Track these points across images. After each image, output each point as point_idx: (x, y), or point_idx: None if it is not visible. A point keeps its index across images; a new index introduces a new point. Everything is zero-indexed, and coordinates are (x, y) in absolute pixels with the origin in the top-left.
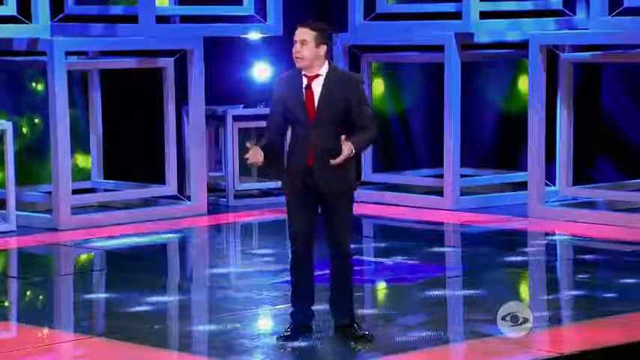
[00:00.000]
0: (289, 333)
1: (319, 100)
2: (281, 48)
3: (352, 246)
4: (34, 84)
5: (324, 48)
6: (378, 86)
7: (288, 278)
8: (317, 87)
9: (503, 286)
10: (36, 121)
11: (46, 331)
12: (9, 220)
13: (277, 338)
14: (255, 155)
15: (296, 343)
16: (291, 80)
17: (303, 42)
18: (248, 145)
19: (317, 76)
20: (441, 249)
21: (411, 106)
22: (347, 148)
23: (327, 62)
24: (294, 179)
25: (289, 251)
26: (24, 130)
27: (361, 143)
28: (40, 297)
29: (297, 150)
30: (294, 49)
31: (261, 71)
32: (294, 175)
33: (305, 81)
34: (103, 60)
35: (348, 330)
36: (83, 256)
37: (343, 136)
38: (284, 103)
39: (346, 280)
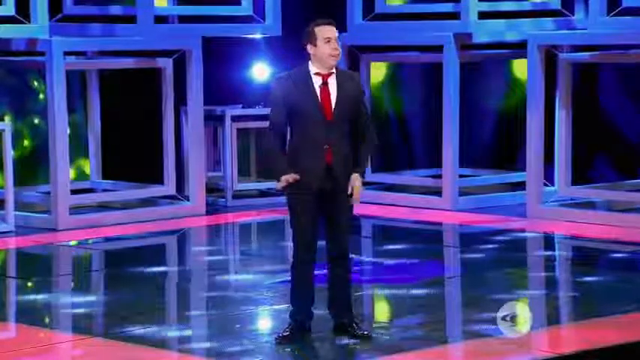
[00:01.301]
0: (288, 333)
1: (337, 98)
2: (280, 48)
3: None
4: (32, 84)
5: None
6: (377, 86)
7: (287, 278)
8: (332, 85)
9: (502, 286)
10: (35, 121)
11: (44, 331)
12: (8, 220)
13: (276, 338)
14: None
15: (295, 343)
16: (297, 80)
17: (337, 39)
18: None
19: (330, 74)
20: (440, 249)
21: (410, 107)
22: (358, 182)
23: None
24: (311, 181)
25: (290, 251)
26: (23, 130)
27: (365, 165)
28: (39, 297)
29: (311, 149)
30: (333, 46)
31: (260, 71)
32: (312, 177)
33: (319, 80)
34: (102, 60)
35: (347, 330)
36: (82, 257)
37: (353, 176)
38: (290, 104)
39: (345, 280)
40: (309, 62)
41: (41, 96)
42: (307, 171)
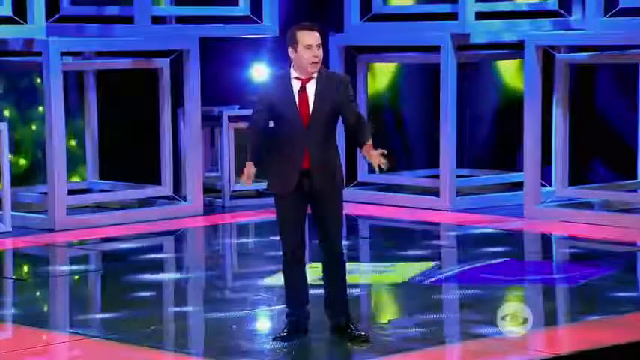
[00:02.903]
0: (285, 334)
1: (314, 103)
2: (277, 48)
3: (346, 245)
4: (29, 84)
5: None
6: (374, 87)
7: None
8: (310, 90)
9: (500, 287)
10: (33, 122)
11: (42, 332)
12: (5, 220)
13: (273, 339)
14: (250, 175)
15: (292, 344)
16: (281, 82)
17: (319, 46)
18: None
19: (310, 79)
20: (437, 250)
21: (407, 107)
22: (371, 153)
23: None
24: (287, 182)
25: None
26: (21, 130)
27: (368, 137)
28: (36, 298)
29: (289, 153)
30: (312, 54)
31: (257, 72)
32: (289, 178)
33: (298, 84)
34: (99, 60)
35: (345, 330)
36: (79, 257)
37: (367, 146)
38: (272, 105)
39: (340, 280)
40: (291, 66)
41: (39, 97)
42: (285, 174)
